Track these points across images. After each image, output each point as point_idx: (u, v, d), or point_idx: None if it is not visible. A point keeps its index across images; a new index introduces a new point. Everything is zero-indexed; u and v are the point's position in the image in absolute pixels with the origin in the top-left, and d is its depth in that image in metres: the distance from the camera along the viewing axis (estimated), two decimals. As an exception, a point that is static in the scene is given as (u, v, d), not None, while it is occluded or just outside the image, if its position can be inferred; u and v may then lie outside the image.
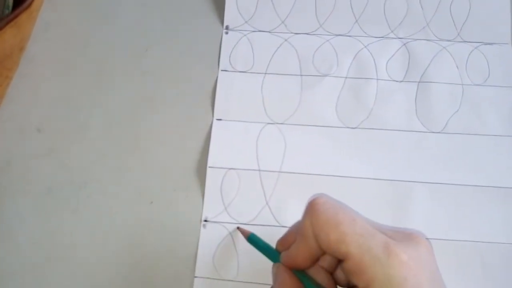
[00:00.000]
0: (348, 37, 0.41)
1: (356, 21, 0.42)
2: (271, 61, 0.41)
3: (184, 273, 0.34)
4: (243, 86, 0.40)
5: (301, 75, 0.40)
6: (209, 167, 0.37)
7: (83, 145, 0.39)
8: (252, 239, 0.30)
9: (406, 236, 0.22)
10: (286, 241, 0.26)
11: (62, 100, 0.40)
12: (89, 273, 0.35)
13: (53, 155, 0.38)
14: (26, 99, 0.40)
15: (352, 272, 0.22)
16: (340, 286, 0.25)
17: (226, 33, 0.42)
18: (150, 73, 0.41)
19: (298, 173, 0.37)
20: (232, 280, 0.34)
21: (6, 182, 0.38)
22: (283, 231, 0.35)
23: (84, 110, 0.40)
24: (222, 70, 0.40)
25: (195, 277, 0.34)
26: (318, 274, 0.24)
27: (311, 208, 0.23)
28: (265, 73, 0.40)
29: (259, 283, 0.34)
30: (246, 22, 0.42)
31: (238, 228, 0.35)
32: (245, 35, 0.42)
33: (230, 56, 0.41)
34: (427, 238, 0.23)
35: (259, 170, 0.37)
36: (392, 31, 0.41)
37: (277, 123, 0.39)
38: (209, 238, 0.35)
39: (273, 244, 0.28)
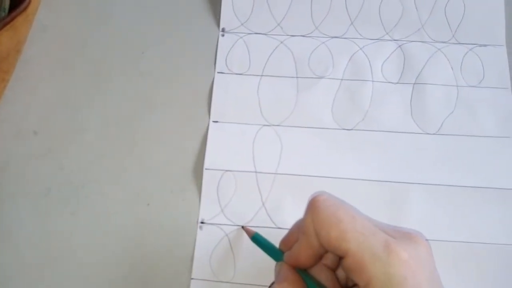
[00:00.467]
0: (343, 39, 0.41)
1: (352, 23, 0.42)
2: (267, 63, 0.41)
3: (181, 275, 0.35)
4: (239, 88, 0.40)
5: (297, 77, 0.40)
6: (206, 169, 0.37)
7: (80, 147, 0.39)
8: (256, 239, 0.30)
9: (406, 236, 0.22)
10: (289, 240, 0.27)
11: (59, 102, 0.40)
12: (87, 274, 0.35)
13: (51, 156, 0.38)
14: (23, 101, 0.40)
15: (352, 270, 0.22)
16: (341, 284, 0.25)
17: (223, 35, 0.42)
18: (147, 75, 0.41)
19: (294, 174, 0.37)
20: (228, 282, 0.34)
21: (4, 184, 0.38)
22: (280, 232, 0.35)
23: (81, 111, 0.40)
24: (218, 72, 0.41)
25: (192, 279, 0.34)
26: (321, 273, 0.24)
27: (312, 205, 0.24)
28: (261, 75, 0.40)
29: (256, 285, 0.34)
30: (242, 24, 0.42)
31: (242, 227, 0.35)
32: (241, 38, 0.42)
33: (226, 58, 0.41)
34: (426, 239, 0.23)
35: (256, 172, 0.37)
36: (387, 33, 0.41)
37: (273, 125, 0.39)
38: (206, 240, 0.35)
39: (276, 244, 0.28)
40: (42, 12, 0.43)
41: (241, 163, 0.37)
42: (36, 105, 0.40)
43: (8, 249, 0.36)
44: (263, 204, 0.36)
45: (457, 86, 0.40)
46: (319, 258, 0.24)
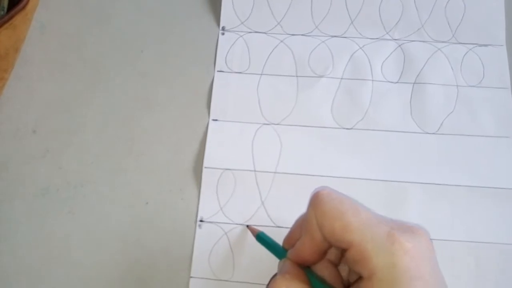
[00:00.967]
0: (343, 38, 0.41)
1: (352, 22, 0.42)
2: (267, 62, 0.41)
3: (180, 273, 0.34)
4: (239, 87, 0.40)
5: (297, 76, 0.40)
6: (205, 167, 0.37)
7: (78, 146, 0.39)
8: (261, 238, 0.30)
9: (409, 229, 0.22)
10: (291, 238, 0.27)
11: (57, 101, 0.40)
12: (85, 274, 0.35)
13: (49, 156, 0.38)
14: (22, 100, 0.40)
15: (356, 261, 0.22)
16: (343, 280, 0.25)
17: (222, 34, 0.42)
18: (146, 74, 0.41)
19: (294, 173, 0.37)
20: (227, 280, 0.34)
21: (2, 184, 0.38)
22: (279, 231, 0.35)
23: (79, 111, 0.40)
24: (218, 71, 0.41)
25: (191, 277, 0.34)
26: (324, 269, 0.25)
27: (315, 200, 0.24)
28: (261, 74, 0.40)
29: (255, 283, 0.34)
30: (242, 23, 0.42)
31: (247, 226, 0.35)
32: (241, 36, 0.42)
33: (226, 57, 0.41)
34: (428, 234, 0.23)
35: (255, 171, 0.37)
36: (387, 33, 0.41)
37: (273, 124, 0.39)
38: (205, 238, 0.35)
39: (280, 243, 0.28)
40: (41, 11, 0.43)
41: (240, 162, 0.37)
42: (35, 104, 0.40)
43: (5, 249, 0.36)
44: (262, 203, 0.36)
45: (457, 85, 0.40)
46: (322, 254, 0.24)
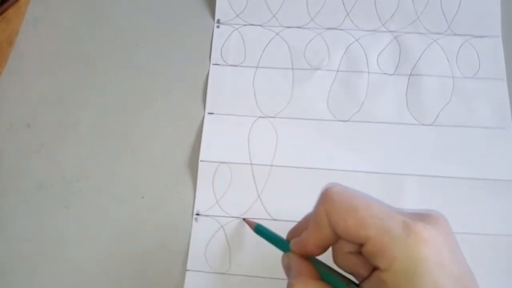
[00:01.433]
0: (339, 30, 0.41)
1: (347, 14, 0.42)
2: (262, 55, 0.40)
3: (176, 266, 0.34)
4: (234, 80, 0.40)
5: (292, 69, 0.40)
6: (201, 161, 0.37)
7: (73, 141, 0.38)
8: (260, 229, 0.30)
9: (424, 216, 0.22)
10: (296, 230, 0.26)
11: (52, 96, 0.40)
12: (81, 268, 0.35)
13: (44, 150, 0.38)
14: (16, 94, 0.40)
15: (374, 254, 0.21)
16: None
17: (218, 27, 0.42)
18: (140, 67, 0.41)
19: (290, 166, 0.37)
20: (224, 273, 0.34)
21: (-3, 178, 0.37)
22: (275, 224, 0.35)
23: (74, 105, 0.40)
24: (213, 64, 0.40)
25: (187, 270, 0.34)
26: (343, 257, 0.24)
27: (326, 197, 0.23)
28: (257, 67, 0.40)
29: (251, 276, 0.34)
30: (237, 16, 0.42)
31: (244, 219, 0.35)
32: (236, 29, 0.41)
33: (221, 50, 0.41)
34: (445, 218, 0.22)
35: (251, 164, 0.37)
36: (383, 25, 0.41)
37: (269, 117, 0.38)
38: (201, 232, 0.35)
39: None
40: (34, 4, 0.42)
41: (236, 155, 0.37)
42: (29, 98, 0.40)
43: (1, 244, 0.36)
44: (258, 196, 0.36)
45: (452, 77, 0.39)
46: (326, 248, 0.24)
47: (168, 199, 0.36)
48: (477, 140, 0.37)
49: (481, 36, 0.41)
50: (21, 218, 0.36)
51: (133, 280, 0.34)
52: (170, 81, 0.40)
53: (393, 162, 0.37)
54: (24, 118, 0.39)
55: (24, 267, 0.35)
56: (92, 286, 0.34)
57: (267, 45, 0.41)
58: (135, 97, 0.40)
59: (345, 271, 0.25)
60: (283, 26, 0.41)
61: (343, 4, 0.42)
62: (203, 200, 0.36)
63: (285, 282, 0.24)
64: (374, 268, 0.22)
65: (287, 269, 0.25)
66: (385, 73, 0.40)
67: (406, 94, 0.39)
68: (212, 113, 0.39)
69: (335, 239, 0.23)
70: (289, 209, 0.35)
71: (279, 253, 0.27)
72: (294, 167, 0.37)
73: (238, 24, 0.42)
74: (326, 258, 0.25)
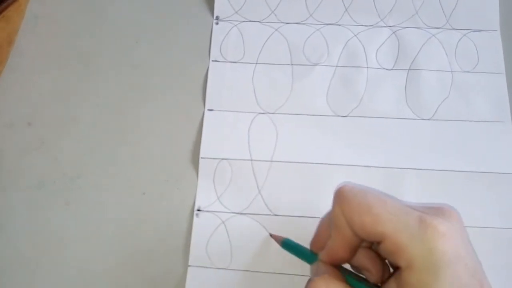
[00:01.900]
0: (338, 26, 0.41)
1: (346, 10, 0.42)
2: (261, 51, 0.41)
3: (178, 262, 0.35)
4: (234, 76, 0.40)
5: (291, 65, 0.40)
6: (201, 158, 0.37)
7: (74, 138, 0.39)
8: (288, 244, 0.29)
9: (438, 210, 0.22)
10: (318, 240, 0.26)
11: (52, 93, 0.40)
12: (82, 266, 0.35)
13: (44, 148, 0.38)
14: (16, 92, 0.40)
15: (392, 252, 0.21)
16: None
17: (217, 23, 0.42)
18: (140, 64, 0.41)
19: (290, 162, 0.37)
20: (225, 269, 0.34)
21: (-2, 176, 0.38)
22: (276, 219, 0.35)
23: (74, 102, 0.40)
24: (213, 61, 0.40)
25: (189, 266, 0.34)
26: (367, 261, 0.24)
27: (340, 196, 0.23)
28: (256, 63, 0.40)
29: (253, 271, 0.34)
30: (236, 12, 0.42)
31: (271, 235, 0.34)
32: (235, 25, 0.41)
33: (220, 47, 0.41)
34: (458, 212, 0.23)
35: (251, 160, 0.37)
36: (381, 20, 0.41)
37: (269, 113, 0.39)
38: (202, 228, 0.35)
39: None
40: (34, 3, 0.43)
41: (236, 151, 0.37)
42: (30, 96, 0.40)
43: (2, 241, 0.36)
44: (259, 191, 0.36)
45: (451, 71, 0.40)
46: (354, 250, 0.24)
47: (169, 195, 0.36)
48: (476, 134, 0.38)
49: (480, 30, 0.41)
50: (22, 215, 0.36)
51: (135, 277, 0.35)
52: (170, 78, 0.40)
53: (392, 157, 0.37)
54: (25, 116, 0.39)
55: (24, 263, 0.35)
56: (93, 283, 0.35)
57: (266, 41, 0.41)
58: (135, 94, 0.40)
59: (353, 265, 0.25)
60: (282, 22, 0.41)
61: (342, -1, 0.42)
62: (204, 196, 0.36)
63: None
64: (395, 268, 0.22)
65: (316, 273, 0.25)
66: (384, 68, 0.40)
67: (405, 88, 0.39)
68: (212, 110, 0.39)
69: (359, 240, 0.23)
70: (289, 204, 0.36)
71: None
72: (294, 162, 0.37)
73: (237, 21, 0.42)
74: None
